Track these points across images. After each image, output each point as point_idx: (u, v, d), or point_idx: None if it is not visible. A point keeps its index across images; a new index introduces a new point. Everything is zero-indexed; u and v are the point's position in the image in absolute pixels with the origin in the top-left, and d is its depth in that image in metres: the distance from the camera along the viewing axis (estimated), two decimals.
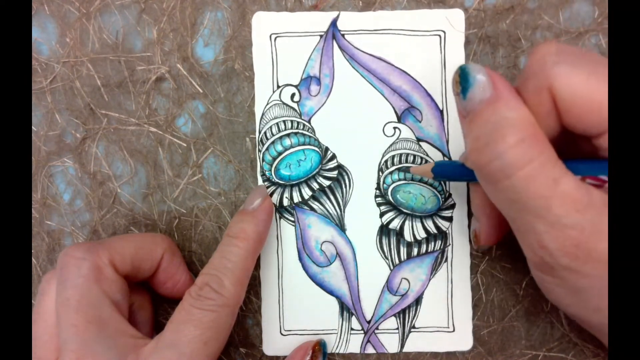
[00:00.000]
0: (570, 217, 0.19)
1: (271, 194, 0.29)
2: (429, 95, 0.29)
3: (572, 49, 0.21)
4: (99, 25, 0.29)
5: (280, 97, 0.29)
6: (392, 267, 0.29)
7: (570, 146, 0.22)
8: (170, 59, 0.29)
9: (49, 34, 0.29)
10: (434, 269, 0.29)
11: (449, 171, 0.26)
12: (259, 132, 0.29)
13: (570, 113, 0.20)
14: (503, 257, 0.29)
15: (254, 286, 0.29)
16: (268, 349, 0.29)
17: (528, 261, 0.22)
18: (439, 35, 0.29)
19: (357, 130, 0.29)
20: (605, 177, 0.20)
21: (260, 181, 0.29)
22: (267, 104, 0.29)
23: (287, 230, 0.29)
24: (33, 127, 0.29)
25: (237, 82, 0.29)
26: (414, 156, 0.29)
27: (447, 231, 0.29)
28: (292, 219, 0.29)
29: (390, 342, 0.29)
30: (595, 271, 0.19)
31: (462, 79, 0.21)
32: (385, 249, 0.29)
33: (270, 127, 0.29)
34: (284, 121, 0.29)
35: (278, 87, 0.29)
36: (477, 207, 0.26)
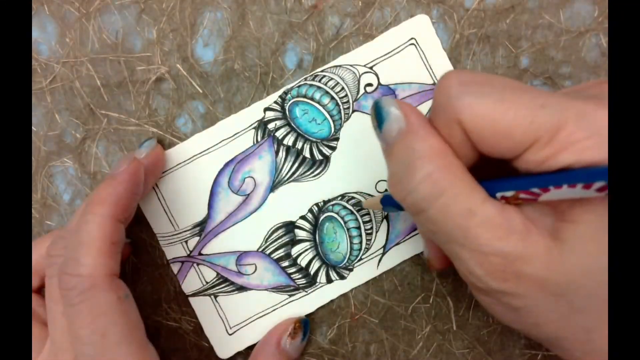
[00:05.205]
0: (490, 245, 0.18)
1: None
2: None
3: (476, 76, 0.19)
4: (99, 25, 0.29)
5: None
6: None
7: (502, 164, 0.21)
8: (170, 59, 0.29)
9: (49, 34, 0.29)
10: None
11: (395, 202, 0.25)
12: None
13: (482, 142, 0.19)
14: None
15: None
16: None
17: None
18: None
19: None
20: (537, 190, 0.18)
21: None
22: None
23: None
24: (33, 127, 0.30)
25: (237, 82, 0.29)
26: None
27: None
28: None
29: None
30: (527, 292, 0.19)
31: (377, 113, 0.21)
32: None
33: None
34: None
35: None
36: (423, 234, 0.26)
